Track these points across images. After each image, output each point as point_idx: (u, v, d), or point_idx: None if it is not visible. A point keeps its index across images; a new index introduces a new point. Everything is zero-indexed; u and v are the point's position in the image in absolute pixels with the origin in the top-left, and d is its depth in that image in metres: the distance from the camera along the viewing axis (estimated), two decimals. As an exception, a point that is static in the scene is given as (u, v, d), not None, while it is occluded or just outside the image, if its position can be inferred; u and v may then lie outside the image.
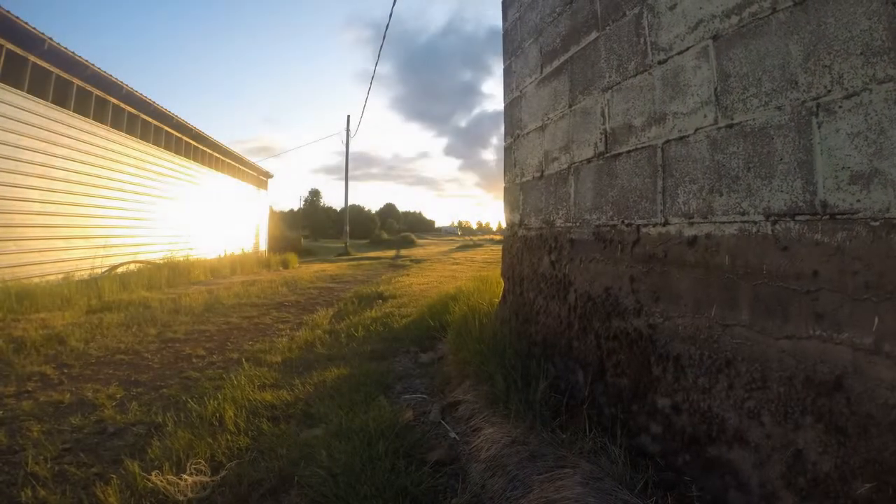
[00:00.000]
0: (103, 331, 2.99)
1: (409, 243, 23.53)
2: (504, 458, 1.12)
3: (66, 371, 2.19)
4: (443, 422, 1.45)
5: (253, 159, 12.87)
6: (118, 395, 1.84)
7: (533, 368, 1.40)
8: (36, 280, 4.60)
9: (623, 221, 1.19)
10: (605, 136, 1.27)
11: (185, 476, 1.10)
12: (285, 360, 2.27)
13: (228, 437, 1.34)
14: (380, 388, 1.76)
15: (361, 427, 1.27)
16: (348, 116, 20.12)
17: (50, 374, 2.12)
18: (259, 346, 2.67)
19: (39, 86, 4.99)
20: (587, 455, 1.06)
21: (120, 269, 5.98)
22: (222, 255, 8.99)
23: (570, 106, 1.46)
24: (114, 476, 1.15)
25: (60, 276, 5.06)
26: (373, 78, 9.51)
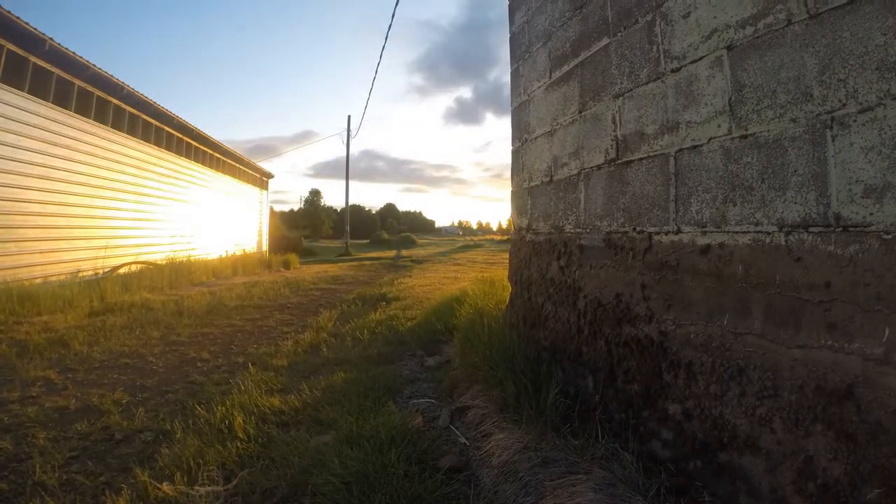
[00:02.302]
0: (106, 333, 2.99)
1: (410, 243, 23.55)
2: (516, 463, 1.13)
3: (70, 375, 2.18)
4: (452, 427, 1.45)
5: (253, 158, 12.86)
6: (124, 401, 1.83)
7: (542, 373, 1.41)
8: (38, 281, 4.59)
9: (634, 229, 1.19)
10: (617, 143, 1.27)
11: (196, 487, 1.09)
12: (291, 364, 2.27)
13: (238, 444, 1.34)
14: (388, 393, 1.76)
15: (372, 434, 1.27)
16: (349, 117, 20.18)
17: (54, 379, 2.11)
18: (264, 349, 2.66)
19: (40, 86, 4.97)
20: (599, 461, 1.07)
21: (122, 270, 5.96)
22: (224, 256, 8.98)
23: (581, 112, 1.46)
24: (124, 486, 1.14)
25: (62, 277, 5.04)
26: (373, 84, 9.50)
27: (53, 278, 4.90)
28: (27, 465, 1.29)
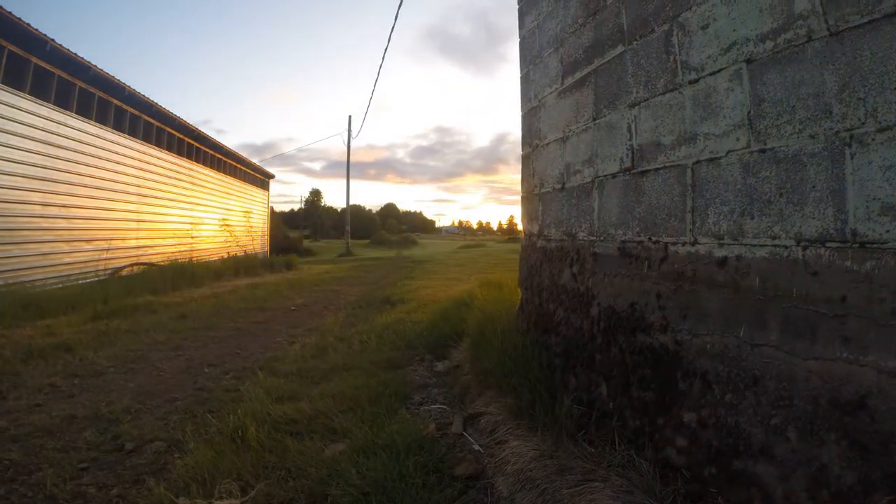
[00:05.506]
0: (111, 338, 2.98)
1: (411, 243, 23.58)
2: (532, 471, 1.14)
3: (76, 381, 2.17)
4: (465, 434, 1.46)
5: (254, 159, 12.84)
6: (132, 408, 1.81)
7: (556, 380, 1.41)
8: (39, 284, 4.57)
9: (650, 238, 1.20)
10: (632, 152, 1.27)
11: (214, 500, 1.08)
12: (300, 370, 2.26)
13: (253, 454, 1.32)
14: (399, 400, 1.76)
15: (388, 442, 1.27)
16: (350, 117, 20.16)
17: (60, 385, 2.10)
18: (271, 353, 2.66)
19: (41, 87, 4.94)
20: (616, 468, 1.08)
21: (124, 272, 5.94)
22: (225, 257, 8.95)
23: (595, 119, 1.46)
24: (139, 500, 1.13)
25: (64, 279, 5.02)
26: (375, 85, 9.48)
27: (55, 280, 4.88)
28: (37, 476, 1.27)
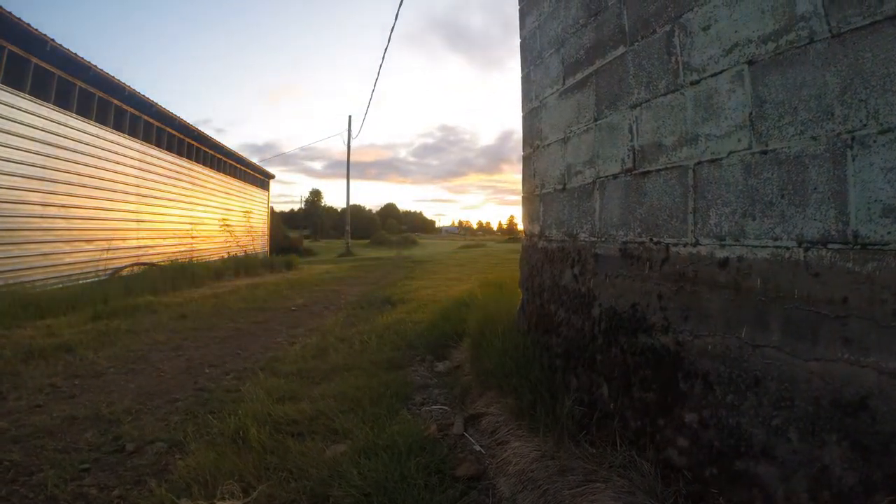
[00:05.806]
0: (111, 338, 2.98)
1: (411, 243, 23.64)
2: (533, 472, 1.14)
3: (76, 382, 2.17)
4: (466, 435, 1.46)
5: (254, 158, 12.87)
6: (133, 409, 1.81)
7: (557, 381, 1.42)
8: (40, 284, 4.57)
9: (651, 239, 1.20)
10: (634, 153, 1.28)
11: (216, 501, 1.08)
12: (300, 370, 2.26)
13: (254, 455, 1.32)
14: (400, 400, 1.76)
15: (389, 443, 1.27)
16: (350, 117, 20.16)
17: (61, 386, 2.10)
18: (272, 354, 2.66)
19: (41, 88, 4.94)
20: (617, 469, 1.08)
21: (124, 272, 5.94)
22: (225, 257, 8.95)
23: (596, 120, 1.46)
24: (141, 501, 1.13)
25: (64, 279, 5.02)
26: (375, 85, 9.47)
27: (56, 281, 4.88)
28: (38, 477, 1.27)
